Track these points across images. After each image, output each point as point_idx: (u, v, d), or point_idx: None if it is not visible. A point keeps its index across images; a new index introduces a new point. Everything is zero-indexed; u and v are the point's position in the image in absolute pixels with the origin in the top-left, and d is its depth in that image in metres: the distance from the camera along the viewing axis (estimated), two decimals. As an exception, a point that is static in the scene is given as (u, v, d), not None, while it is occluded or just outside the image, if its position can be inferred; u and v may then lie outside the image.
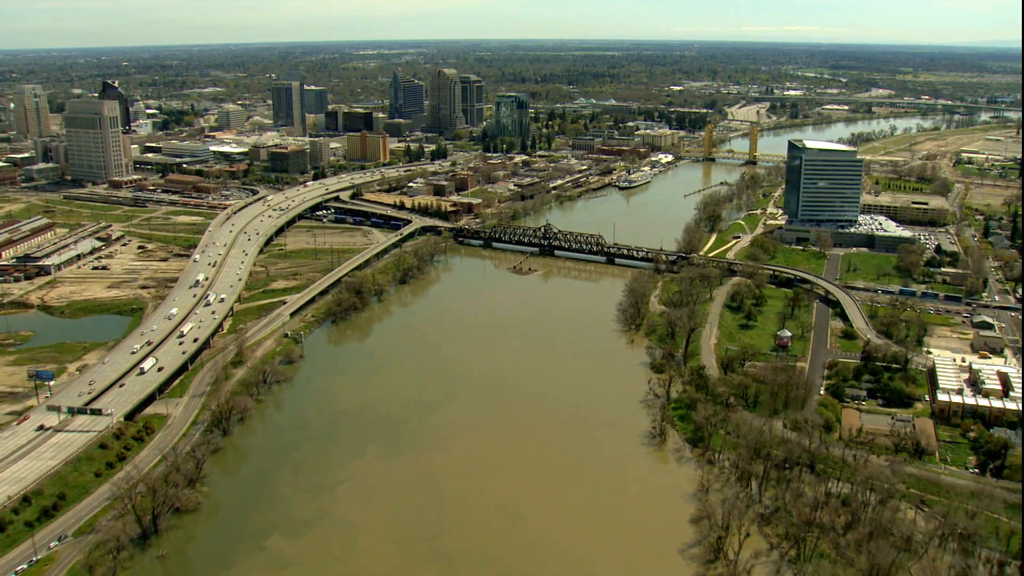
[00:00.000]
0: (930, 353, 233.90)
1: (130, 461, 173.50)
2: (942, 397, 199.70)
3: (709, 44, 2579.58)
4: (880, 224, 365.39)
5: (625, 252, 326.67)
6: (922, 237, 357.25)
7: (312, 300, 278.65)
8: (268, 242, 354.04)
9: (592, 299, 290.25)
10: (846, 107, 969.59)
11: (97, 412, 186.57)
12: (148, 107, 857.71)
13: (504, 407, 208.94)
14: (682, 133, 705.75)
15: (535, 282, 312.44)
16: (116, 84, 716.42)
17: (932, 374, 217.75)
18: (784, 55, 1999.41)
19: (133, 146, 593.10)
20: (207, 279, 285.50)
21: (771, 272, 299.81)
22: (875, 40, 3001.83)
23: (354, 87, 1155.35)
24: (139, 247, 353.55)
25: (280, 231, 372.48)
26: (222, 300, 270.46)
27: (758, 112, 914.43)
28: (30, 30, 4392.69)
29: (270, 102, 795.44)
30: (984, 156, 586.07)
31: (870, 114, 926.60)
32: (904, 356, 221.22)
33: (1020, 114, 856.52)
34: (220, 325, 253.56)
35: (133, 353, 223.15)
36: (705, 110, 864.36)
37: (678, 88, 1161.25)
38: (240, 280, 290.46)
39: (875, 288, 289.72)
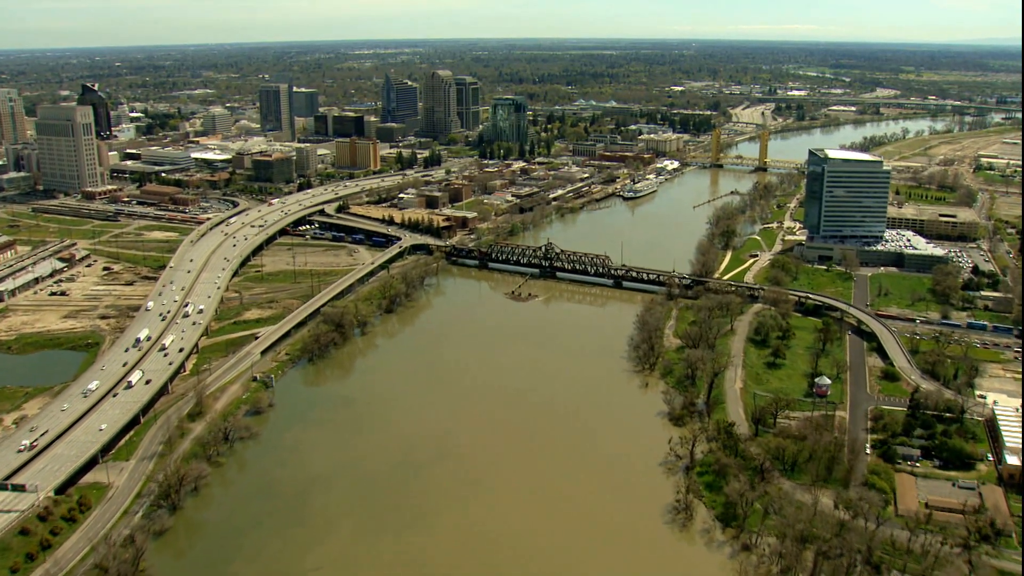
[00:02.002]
0: (984, 399, 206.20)
1: (54, 551, 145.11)
2: (1011, 460, 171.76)
3: (707, 43, 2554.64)
4: (908, 240, 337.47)
5: (634, 275, 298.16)
6: (954, 254, 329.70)
7: (288, 333, 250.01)
8: (245, 262, 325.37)
9: (599, 331, 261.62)
10: (853, 108, 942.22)
11: (20, 488, 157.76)
12: (133, 110, 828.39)
13: (502, 469, 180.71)
14: (686, 137, 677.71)
15: (536, 310, 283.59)
16: (96, 87, 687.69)
17: (992, 426, 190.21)
18: (783, 54, 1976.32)
19: (112, 153, 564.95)
20: (149, 338, 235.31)
21: (797, 299, 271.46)
22: (873, 38, 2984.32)
23: (348, 88, 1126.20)
24: (104, 268, 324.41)
25: (259, 249, 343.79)
26: (190, 327, 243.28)
27: (763, 113, 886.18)
28: (27, 30, 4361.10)
29: (259, 104, 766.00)
30: (1005, 161, 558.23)
31: (878, 115, 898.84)
32: (960, 406, 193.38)
33: (1021, 114, 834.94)
34: (182, 365, 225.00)
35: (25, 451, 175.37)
36: (709, 112, 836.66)
37: (679, 88, 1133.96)
38: (209, 309, 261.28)
39: (914, 316, 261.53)
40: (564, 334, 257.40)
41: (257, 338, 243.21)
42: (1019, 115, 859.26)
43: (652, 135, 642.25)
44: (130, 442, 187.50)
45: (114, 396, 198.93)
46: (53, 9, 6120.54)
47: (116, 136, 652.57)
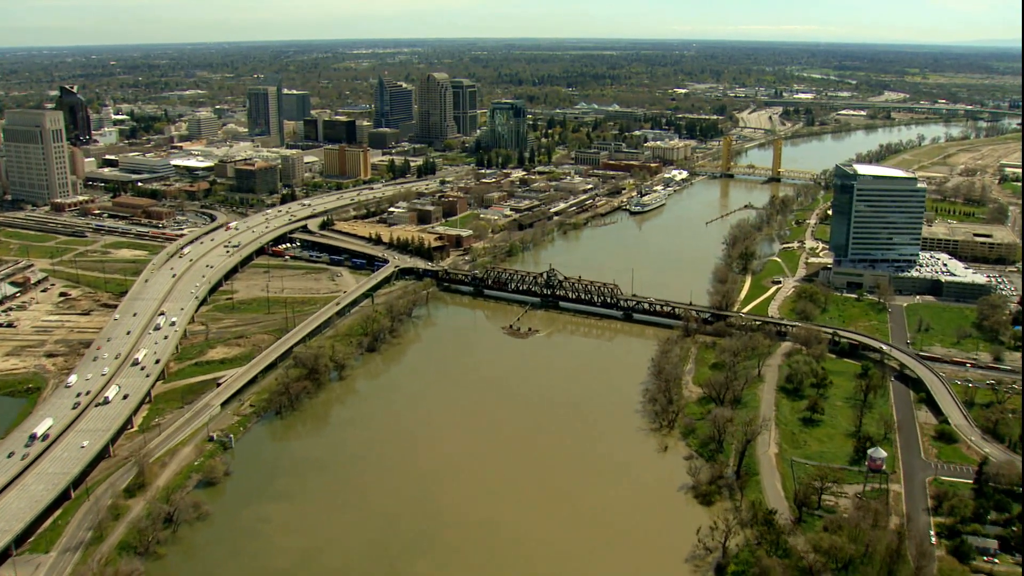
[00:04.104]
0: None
1: None
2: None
3: (708, 43, 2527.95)
4: (945, 265, 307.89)
5: (646, 307, 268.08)
6: (995, 280, 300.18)
7: (254, 378, 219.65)
8: (216, 287, 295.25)
9: (609, 376, 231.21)
10: (863, 112, 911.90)
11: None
12: (119, 112, 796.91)
13: (494, 565, 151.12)
14: (693, 143, 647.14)
15: (537, 349, 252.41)
16: (75, 88, 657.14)
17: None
18: (785, 55, 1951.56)
19: (89, 160, 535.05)
20: (46, 434, 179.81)
21: (830, 336, 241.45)
22: (873, 39, 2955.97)
23: (343, 89, 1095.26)
24: (61, 294, 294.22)
25: (234, 271, 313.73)
26: (140, 374, 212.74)
27: (770, 118, 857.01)
28: (25, 28, 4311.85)
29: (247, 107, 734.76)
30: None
31: (889, 120, 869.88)
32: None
33: (1021, 117, 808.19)
34: (129, 421, 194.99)
35: None
36: (715, 117, 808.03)
37: (683, 91, 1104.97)
38: (168, 349, 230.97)
39: (963, 359, 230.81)
40: (569, 381, 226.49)
41: (219, 385, 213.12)
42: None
43: (658, 142, 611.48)
44: (55, 525, 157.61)
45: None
46: (53, 7, 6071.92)
47: (96, 141, 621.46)
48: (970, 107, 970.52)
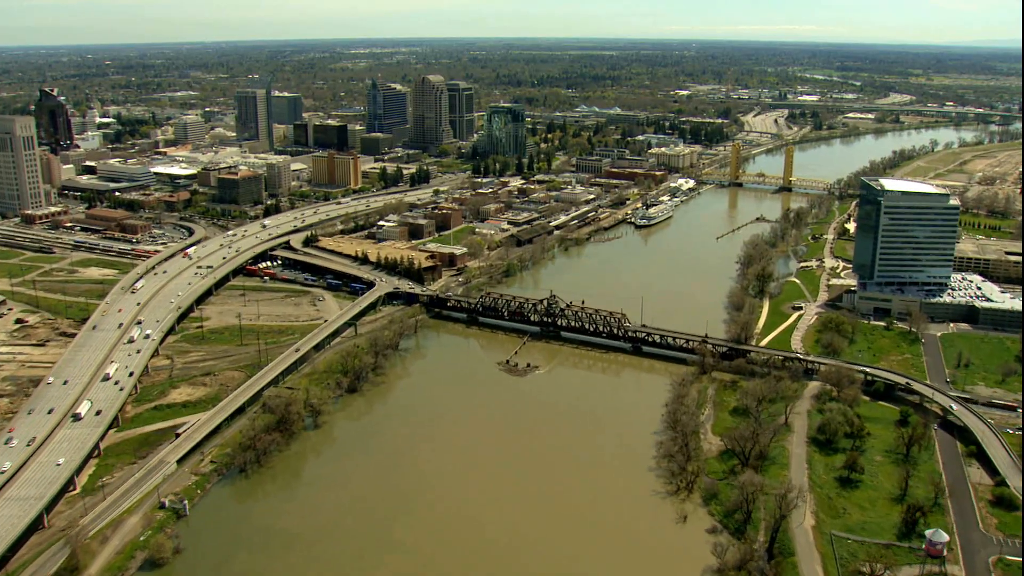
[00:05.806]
0: None
1: None
2: None
3: (708, 43, 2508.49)
4: (979, 289, 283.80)
5: (657, 339, 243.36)
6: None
7: (218, 427, 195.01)
8: (187, 313, 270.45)
9: (618, 422, 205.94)
10: (870, 116, 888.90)
11: None
12: (106, 115, 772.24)
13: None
14: (699, 148, 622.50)
15: (536, 388, 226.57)
16: (55, 91, 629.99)
17: None
18: (785, 55, 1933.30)
19: (68, 166, 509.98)
20: None
21: (863, 376, 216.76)
22: (872, 40, 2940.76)
23: (338, 91, 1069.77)
24: (17, 321, 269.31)
25: (207, 293, 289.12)
26: (87, 425, 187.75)
27: (776, 121, 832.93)
28: (24, 27, 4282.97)
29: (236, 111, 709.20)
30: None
31: (898, 124, 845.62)
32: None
33: (1021, 118, 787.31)
34: (71, 481, 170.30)
35: None
36: (720, 120, 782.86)
37: (685, 93, 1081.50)
38: (123, 392, 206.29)
39: (1012, 403, 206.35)
40: (572, 431, 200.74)
41: (178, 436, 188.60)
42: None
43: (663, 148, 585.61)
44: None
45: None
46: (52, 6, 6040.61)
47: (78, 146, 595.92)
48: (980, 110, 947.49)
